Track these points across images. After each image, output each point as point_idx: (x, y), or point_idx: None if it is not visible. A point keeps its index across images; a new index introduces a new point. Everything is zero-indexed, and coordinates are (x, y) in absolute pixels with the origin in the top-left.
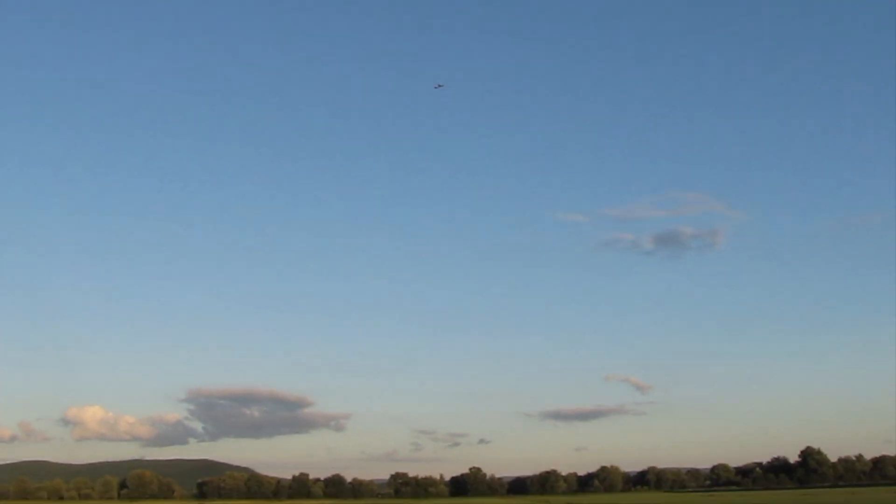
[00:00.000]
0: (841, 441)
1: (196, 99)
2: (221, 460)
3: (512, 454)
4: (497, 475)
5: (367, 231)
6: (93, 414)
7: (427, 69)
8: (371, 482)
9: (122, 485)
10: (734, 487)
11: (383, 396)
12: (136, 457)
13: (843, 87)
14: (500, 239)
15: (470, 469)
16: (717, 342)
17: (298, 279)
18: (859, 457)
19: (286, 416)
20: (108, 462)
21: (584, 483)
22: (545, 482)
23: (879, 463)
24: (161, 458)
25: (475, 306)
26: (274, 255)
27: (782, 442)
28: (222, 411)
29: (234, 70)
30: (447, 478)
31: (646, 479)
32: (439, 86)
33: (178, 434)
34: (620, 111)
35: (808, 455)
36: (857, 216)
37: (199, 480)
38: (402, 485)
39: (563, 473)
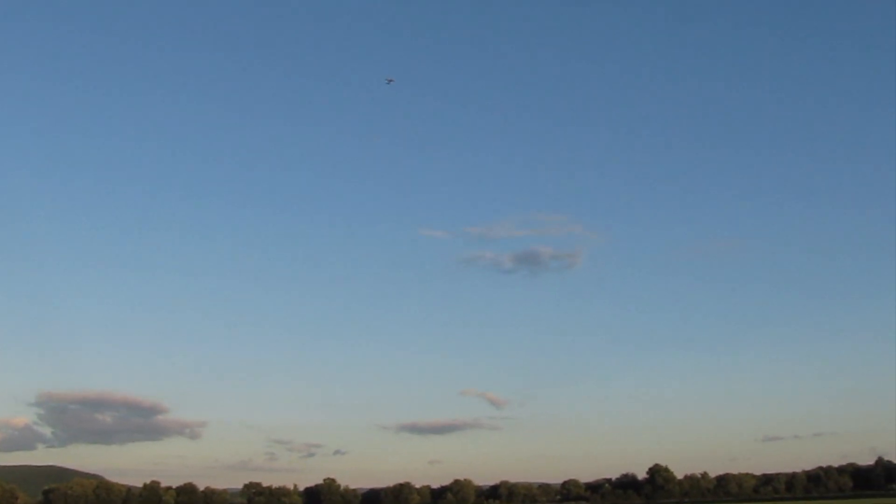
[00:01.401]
0: (687, 459)
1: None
2: (70, 467)
3: (367, 466)
4: (351, 486)
5: (227, 237)
6: None
7: (300, 82)
8: (224, 491)
9: None
10: (583, 502)
11: (240, 405)
12: None
13: (698, 111)
14: (362, 251)
15: (324, 480)
16: (572, 360)
17: (157, 282)
18: (704, 474)
19: (140, 422)
20: None
21: (438, 496)
22: (399, 494)
23: (723, 480)
24: (6, 463)
25: (335, 317)
26: (132, 257)
27: (632, 459)
28: (73, 416)
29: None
30: (301, 488)
31: (498, 493)
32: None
33: (25, 439)
34: (484, 131)
35: (656, 472)
36: (712, 240)
37: (45, 487)
38: (255, 494)
39: (417, 486)
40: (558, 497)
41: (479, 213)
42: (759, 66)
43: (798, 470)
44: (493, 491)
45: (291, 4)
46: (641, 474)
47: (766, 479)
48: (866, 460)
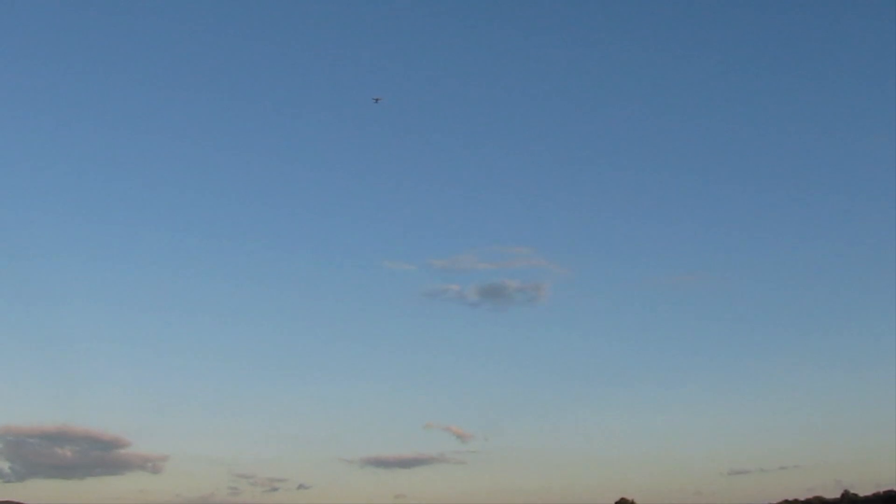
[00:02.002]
0: (654, 492)
1: None
2: (29, 502)
3: (331, 500)
4: None
5: (187, 269)
6: None
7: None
8: None
9: None
10: None
11: (203, 438)
12: None
13: (662, 143)
14: (326, 283)
15: None
16: (538, 393)
17: (118, 312)
18: None
19: (101, 456)
20: None
21: None
22: None
23: None
24: None
25: (298, 349)
26: (92, 285)
27: (598, 492)
28: (32, 450)
29: None
30: None
31: None
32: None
33: None
34: (449, 163)
35: None
36: (677, 274)
37: None
38: None
39: None
40: None
41: (445, 245)
42: (725, 97)
43: (764, 503)
44: None
45: (248, 31)
46: None
47: None
48: (832, 493)
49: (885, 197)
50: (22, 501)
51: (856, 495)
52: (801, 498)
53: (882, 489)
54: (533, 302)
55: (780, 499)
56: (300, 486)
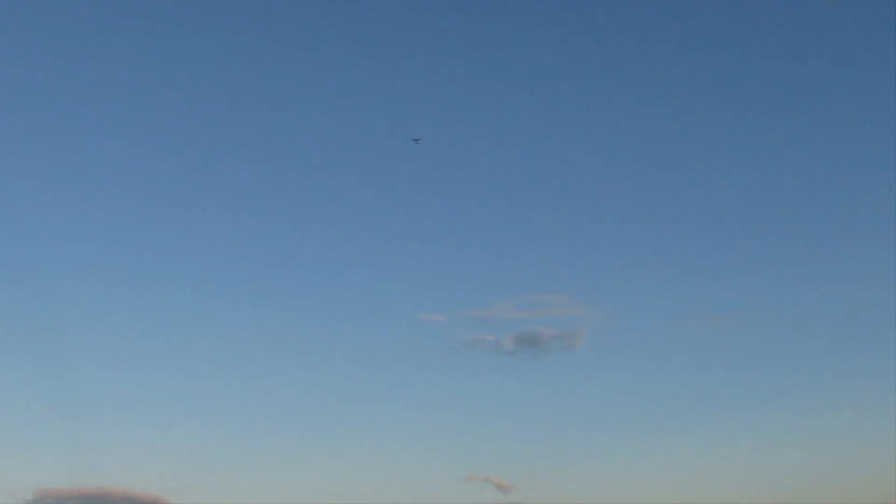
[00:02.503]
0: None
1: None
2: None
3: None
4: None
5: (222, 325)
6: None
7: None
8: None
9: None
10: None
11: (243, 496)
12: None
13: (694, 188)
14: (360, 338)
15: None
16: (578, 441)
17: (156, 371)
18: None
19: None
20: None
21: None
22: None
23: None
24: None
25: (334, 405)
26: (128, 348)
27: None
28: None
29: None
30: None
31: None
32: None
33: None
34: (479, 212)
35: None
36: (715, 316)
37: None
38: None
39: None
40: None
41: (479, 295)
42: (756, 143)
43: None
44: None
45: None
46: None
47: None
48: None
49: None
50: None
51: None
52: None
53: None
54: (569, 349)
55: None
56: None
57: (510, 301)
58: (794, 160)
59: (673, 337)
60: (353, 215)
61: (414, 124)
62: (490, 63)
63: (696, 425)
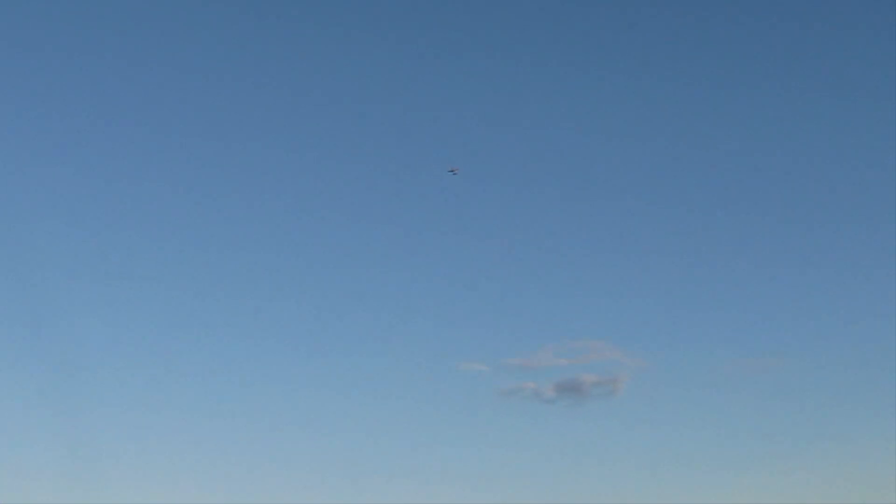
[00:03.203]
0: None
1: None
2: None
3: None
4: None
5: (261, 380)
6: None
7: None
8: None
9: None
10: None
11: None
12: None
13: (735, 234)
14: (400, 389)
15: None
16: (621, 488)
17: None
18: None
19: None
20: None
21: None
22: None
23: None
24: None
25: (377, 456)
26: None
27: None
28: None
29: None
30: None
31: None
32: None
33: None
34: (518, 263)
35: None
36: (756, 359)
37: None
38: None
39: None
40: None
41: (518, 343)
42: (794, 187)
43: None
44: None
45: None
46: None
47: None
48: None
49: None
50: None
51: None
52: None
53: None
54: (610, 396)
55: None
56: None
57: (550, 348)
58: (833, 203)
59: (714, 381)
60: (393, 263)
61: (458, 163)
62: (540, 110)
63: (740, 469)
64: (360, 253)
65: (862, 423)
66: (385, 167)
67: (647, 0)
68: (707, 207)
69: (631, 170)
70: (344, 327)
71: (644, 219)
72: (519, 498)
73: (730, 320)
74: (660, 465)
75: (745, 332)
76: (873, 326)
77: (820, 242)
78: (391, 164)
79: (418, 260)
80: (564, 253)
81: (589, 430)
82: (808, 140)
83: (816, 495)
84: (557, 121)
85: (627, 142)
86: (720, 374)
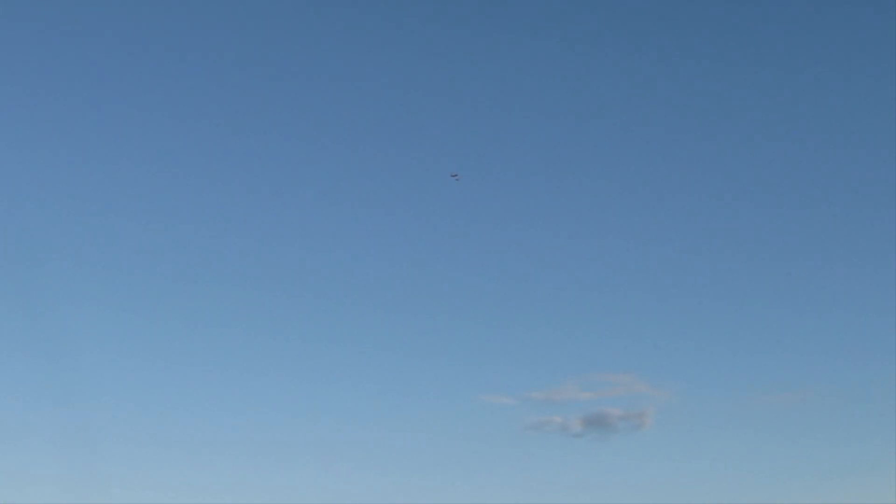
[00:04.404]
0: None
1: None
2: None
3: None
4: None
5: (284, 415)
6: None
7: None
8: None
9: None
10: None
11: None
12: None
13: (761, 266)
14: (426, 423)
15: None
16: None
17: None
18: None
19: None
20: None
21: None
22: None
23: None
24: None
25: (400, 490)
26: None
27: None
28: None
29: None
30: None
31: None
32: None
33: None
34: (545, 293)
35: None
36: (784, 392)
37: None
38: None
39: None
40: None
41: (543, 377)
42: (819, 221)
43: None
44: None
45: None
46: None
47: None
48: None
49: None
50: None
51: None
52: None
53: None
54: (637, 429)
55: None
56: None
57: (576, 382)
58: (864, 242)
59: (741, 414)
60: (418, 297)
61: (479, 187)
62: (563, 154)
63: (769, 503)
64: (385, 285)
65: (892, 460)
66: (407, 195)
67: None
68: (736, 243)
69: (660, 205)
70: (368, 360)
71: (671, 253)
72: None
73: (757, 353)
74: (688, 500)
75: (773, 365)
76: None
77: (850, 278)
78: (413, 193)
79: (443, 293)
80: (592, 286)
81: (617, 464)
82: (844, 173)
83: None
84: (586, 151)
85: (654, 176)
86: (748, 407)
